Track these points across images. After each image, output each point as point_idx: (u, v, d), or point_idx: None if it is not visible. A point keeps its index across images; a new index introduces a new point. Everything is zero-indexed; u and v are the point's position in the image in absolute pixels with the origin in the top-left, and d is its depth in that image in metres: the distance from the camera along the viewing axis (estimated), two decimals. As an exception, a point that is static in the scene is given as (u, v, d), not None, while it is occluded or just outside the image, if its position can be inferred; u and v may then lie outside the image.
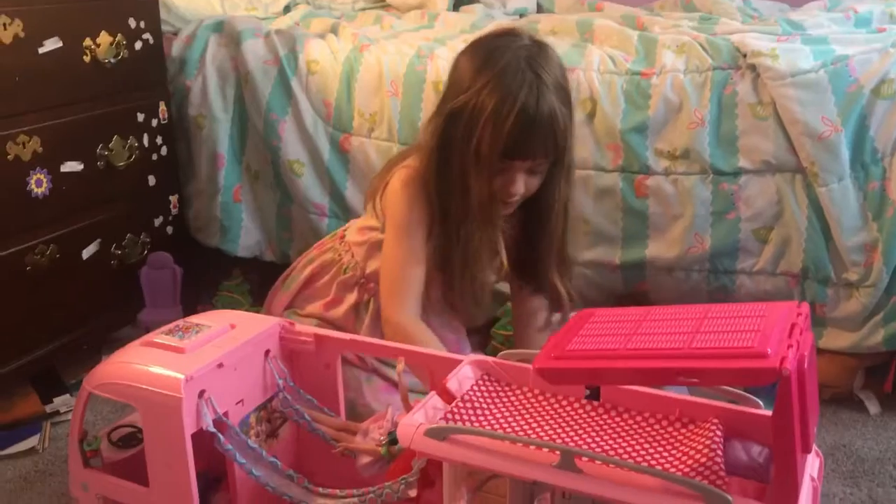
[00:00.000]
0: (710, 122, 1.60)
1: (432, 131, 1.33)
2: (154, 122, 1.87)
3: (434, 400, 0.94)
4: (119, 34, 1.73)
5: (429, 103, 1.79)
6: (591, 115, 1.66)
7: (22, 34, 1.49)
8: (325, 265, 1.52)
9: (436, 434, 0.85)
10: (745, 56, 1.62)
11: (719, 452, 0.82)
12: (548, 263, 1.42)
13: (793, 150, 1.55)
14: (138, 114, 1.82)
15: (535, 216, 1.40)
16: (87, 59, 1.66)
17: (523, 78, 1.24)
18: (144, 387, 1.02)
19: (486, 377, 1.01)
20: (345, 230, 1.55)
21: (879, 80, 1.52)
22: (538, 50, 1.29)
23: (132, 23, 1.77)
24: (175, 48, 1.98)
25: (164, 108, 1.90)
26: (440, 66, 1.80)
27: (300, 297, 1.53)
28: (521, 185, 1.32)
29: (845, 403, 1.59)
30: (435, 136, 1.32)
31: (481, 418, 0.93)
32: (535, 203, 1.38)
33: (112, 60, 1.71)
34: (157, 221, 1.91)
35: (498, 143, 1.25)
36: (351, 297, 1.48)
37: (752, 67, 1.59)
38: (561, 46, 1.85)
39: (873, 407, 1.57)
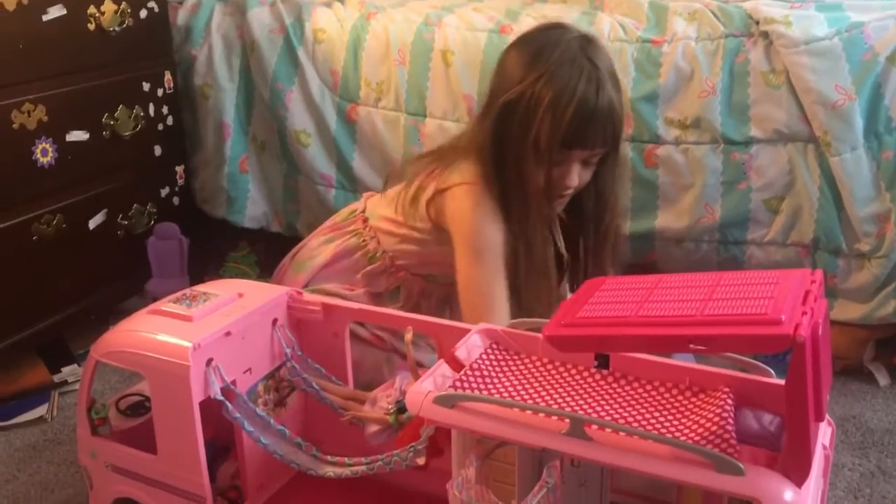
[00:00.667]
0: (721, 91, 1.58)
1: (484, 129, 1.31)
2: (160, 92, 1.85)
3: (443, 368, 0.94)
4: (124, 2, 1.71)
5: (437, 72, 1.78)
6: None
7: (25, 1, 1.48)
8: (350, 249, 1.47)
9: (444, 402, 0.85)
10: (757, 23, 1.59)
11: (730, 421, 0.81)
12: (601, 258, 1.42)
13: (805, 119, 1.53)
14: (144, 83, 1.81)
15: (587, 210, 1.39)
16: (91, 26, 1.64)
17: (581, 68, 1.24)
18: (152, 355, 1.02)
19: (494, 346, 1.00)
20: (364, 212, 1.50)
21: (895, 47, 1.49)
22: (589, 42, 1.29)
23: (136, -10, 1.76)
24: (180, 17, 1.96)
25: (170, 78, 1.89)
26: (448, 34, 1.78)
27: (318, 277, 1.48)
28: (576, 177, 1.30)
29: (855, 375, 1.58)
30: (488, 132, 1.30)
31: (490, 386, 0.93)
32: (588, 197, 1.38)
33: (117, 29, 1.69)
34: (164, 192, 1.91)
35: (557, 133, 1.24)
36: (378, 286, 1.45)
37: (765, 35, 1.57)
38: (570, 14, 1.83)
39: (883, 379, 1.57)
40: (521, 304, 1.38)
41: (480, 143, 1.32)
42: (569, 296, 1.51)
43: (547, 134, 1.25)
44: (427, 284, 1.47)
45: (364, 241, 1.47)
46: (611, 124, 1.27)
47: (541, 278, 1.36)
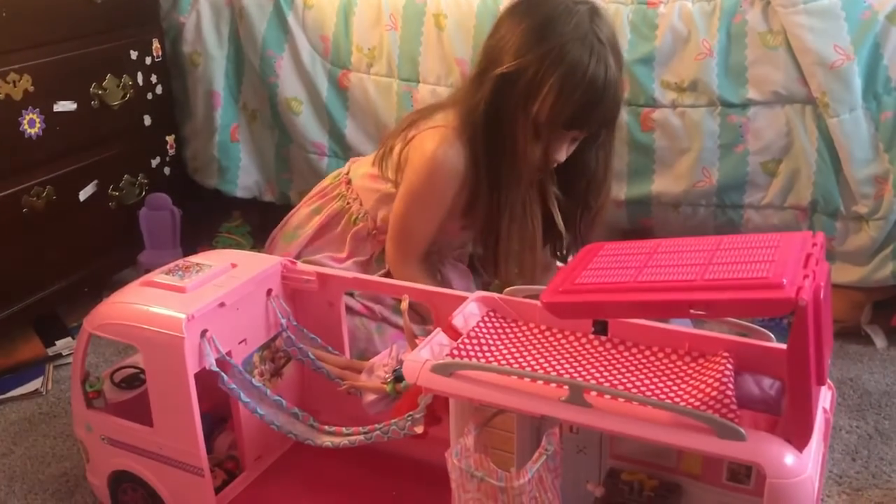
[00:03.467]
0: (718, 53, 1.56)
1: (479, 97, 1.26)
2: (148, 60, 1.82)
3: (440, 336, 0.93)
4: (109, -33, 1.67)
5: (429, 37, 1.75)
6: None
7: (8, -32, 1.45)
8: (334, 215, 1.46)
9: (442, 370, 0.84)
10: (755, -17, 1.57)
11: (730, 385, 0.81)
12: (588, 235, 1.41)
13: (803, 80, 1.51)
14: (131, 51, 1.77)
15: (577, 189, 1.38)
16: (76, -7, 1.61)
17: (591, 47, 1.20)
18: (146, 327, 1.01)
19: (491, 313, 1.00)
20: (348, 173, 1.49)
21: (895, 6, 1.47)
22: (597, 14, 1.25)
23: (122, -44, 1.72)
24: (167, -18, 1.92)
25: (158, 46, 1.86)
26: (440, -3, 1.75)
27: (310, 248, 1.47)
28: (565, 153, 1.28)
29: (852, 337, 1.58)
30: (483, 100, 1.26)
31: (487, 354, 0.92)
32: (579, 175, 1.36)
33: (102, -5, 1.66)
34: (155, 162, 1.88)
35: (561, 113, 1.21)
36: (366, 250, 1.44)
37: (763, -6, 1.54)
38: (565, -24, 1.80)
39: (880, 341, 1.57)
40: (500, 273, 1.37)
41: (472, 108, 1.28)
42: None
43: (549, 112, 1.22)
44: None
45: (348, 203, 1.45)
46: (613, 105, 1.25)
47: (527, 250, 1.35)
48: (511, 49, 1.23)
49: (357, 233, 1.44)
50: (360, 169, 1.47)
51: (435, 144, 1.30)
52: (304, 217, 1.50)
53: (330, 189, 1.50)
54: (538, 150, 1.27)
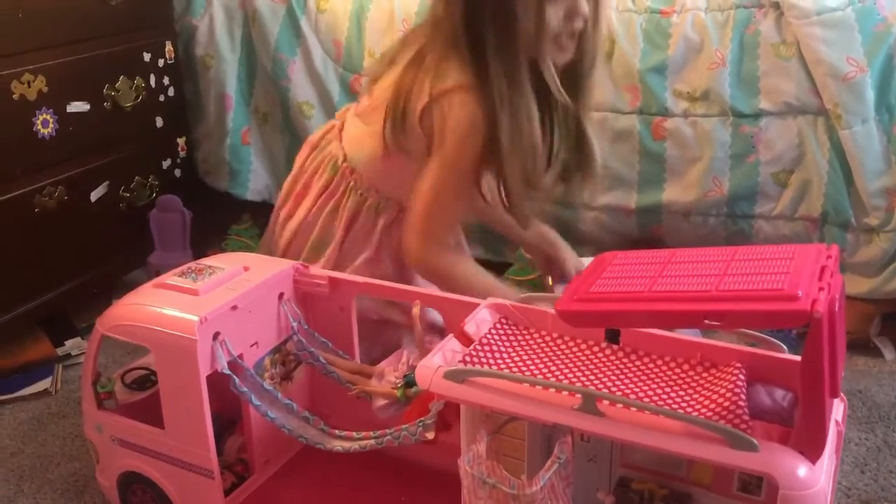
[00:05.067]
0: (731, 63, 1.56)
1: (450, 11, 1.19)
2: (161, 63, 1.83)
3: (452, 343, 0.93)
4: (123, -29, 1.68)
5: (441, 43, 1.75)
6: (608, 55, 1.62)
7: (24, -30, 1.45)
8: (355, 214, 1.35)
9: (454, 376, 0.84)
10: (768, -7, 1.57)
11: (742, 396, 0.81)
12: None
13: (816, 91, 1.51)
14: (144, 53, 1.78)
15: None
16: (91, -5, 1.62)
17: None
18: (159, 329, 1.01)
19: (504, 320, 1.00)
20: (345, 162, 1.35)
21: (909, 18, 1.47)
22: None
23: (137, -41, 1.73)
24: (181, -14, 1.93)
25: (171, 48, 1.86)
26: (453, 4, 1.75)
27: (340, 255, 1.35)
28: (586, 5, 1.19)
29: (862, 349, 1.57)
30: (457, 7, 1.18)
31: (500, 361, 0.92)
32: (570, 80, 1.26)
33: (117, -3, 1.67)
34: (166, 164, 1.89)
35: None
36: (394, 240, 1.35)
37: (776, 5, 1.54)
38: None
39: (889, 353, 1.56)
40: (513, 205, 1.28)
41: (452, 27, 1.20)
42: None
43: None
44: None
45: (362, 195, 1.35)
46: None
47: (528, 161, 1.23)
48: None
49: (385, 224, 1.35)
50: (361, 153, 1.35)
51: (469, 118, 1.20)
52: (324, 224, 1.37)
53: (336, 185, 1.37)
54: (543, 15, 1.17)
